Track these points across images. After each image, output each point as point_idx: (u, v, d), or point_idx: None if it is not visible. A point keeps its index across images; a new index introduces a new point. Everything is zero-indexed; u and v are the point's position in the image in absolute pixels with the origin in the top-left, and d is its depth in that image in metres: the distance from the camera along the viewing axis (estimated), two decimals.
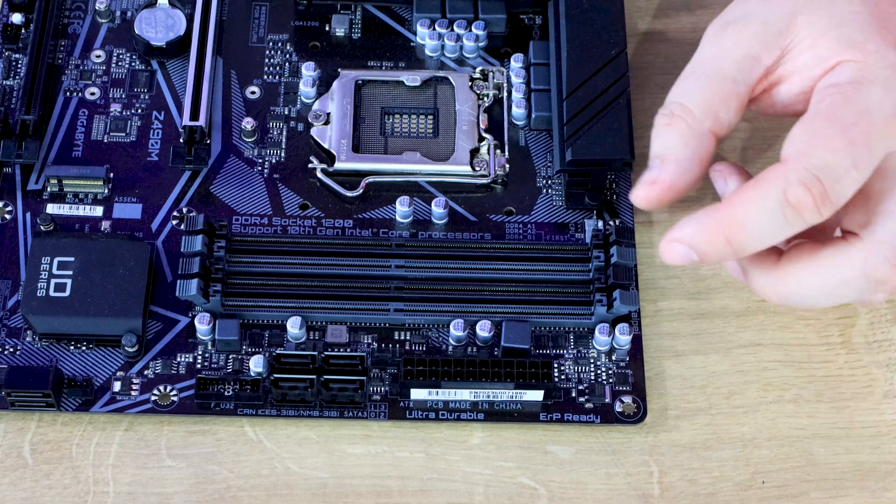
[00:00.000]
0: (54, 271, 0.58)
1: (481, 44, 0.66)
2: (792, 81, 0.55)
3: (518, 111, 0.64)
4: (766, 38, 0.55)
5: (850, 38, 0.54)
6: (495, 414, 0.57)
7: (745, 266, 0.56)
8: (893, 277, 0.53)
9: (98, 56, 0.66)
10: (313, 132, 0.64)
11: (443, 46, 0.66)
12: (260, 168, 0.63)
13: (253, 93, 0.65)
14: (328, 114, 0.64)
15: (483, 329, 0.58)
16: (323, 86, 0.65)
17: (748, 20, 0.56)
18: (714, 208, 0.53)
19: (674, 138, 0.55)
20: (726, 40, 0.56)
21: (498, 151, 0.63)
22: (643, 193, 0.55)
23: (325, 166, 0.63)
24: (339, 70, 0.65)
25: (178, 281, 0.58)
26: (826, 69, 0.54)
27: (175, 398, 0.57)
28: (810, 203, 0.52)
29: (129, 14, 0.67)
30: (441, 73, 0.65)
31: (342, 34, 0.67)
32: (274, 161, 0.63)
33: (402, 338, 0.59)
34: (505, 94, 0.65)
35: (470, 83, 0.64)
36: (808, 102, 0.54)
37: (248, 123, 0.63)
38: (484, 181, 0.62)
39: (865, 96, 0.53)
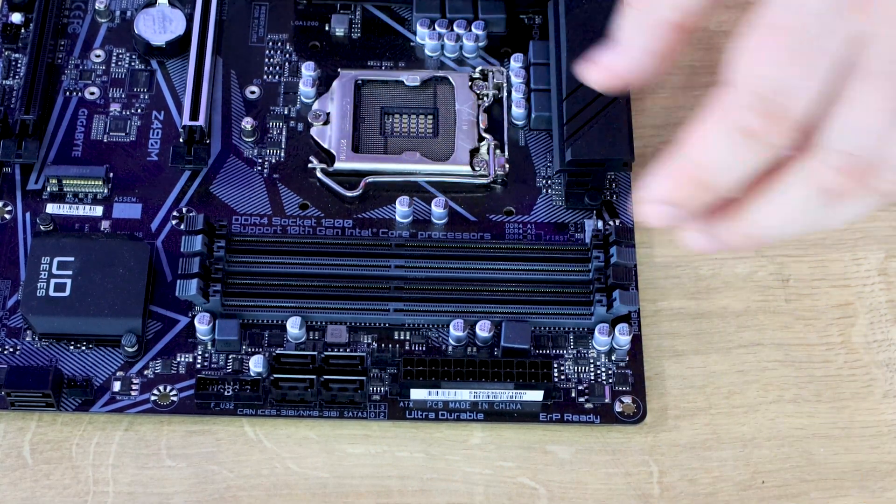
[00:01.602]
0: (54, 271, 0.58)
1: (481, 44, 0.66)
2: None
3: (518, 111, 0.64)
4: None
5: None
6: (495, 414, 0.57)
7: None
8: (846, 185, 0.48)
9: (98, 56, 0.66)
10: (313, 132, 0.64)
11: (442, 46, 0.66)
12: (260, 168, 0.63)
13: (253, 93, 0.65)
14: (328, 114, 0.64)
15: (483, 329, 0.58)
16: (323, 86, 0.65)
17: None
18: (674, 156, 0.50)
19: (630, 24, 0.51)
20: None
21: (498, 151, 0.63)
22: (592, 74, 0.52)
23: (324, 166, 0.63)
24: (339, 70, 0.65)
25: (178, 281, 0.58)
26: None
27: (175, 398, 0.57)
28: (763, 125, 0.48)
29: (128, 14, 0.67)
30: (441, 73, 0.65)
31: (342, 34, 0.67)
32: (274, 161, 0.63)
33: (402, 338, 0.59)
34: (505, 94, 0.65)
35: (470, 83, 0.64)
36: None
37: (247, 123, 0.63)
38: (484, 181, 0.62)
39: None
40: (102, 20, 0.67)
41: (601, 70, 0.51)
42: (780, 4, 0.48)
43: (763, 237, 0.50)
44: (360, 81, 0.65)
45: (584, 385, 0.58)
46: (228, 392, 0.57)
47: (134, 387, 0.57)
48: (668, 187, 0.49)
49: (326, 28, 0.67)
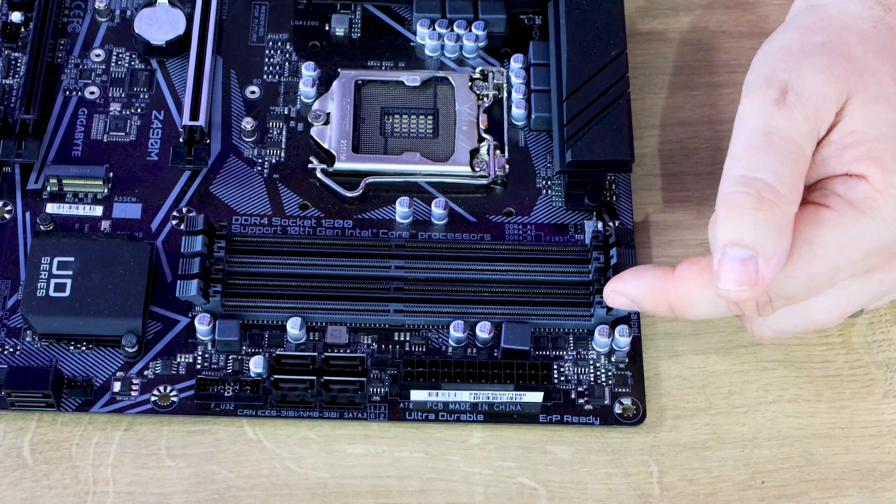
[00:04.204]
0: (54, 271, 0.58)
1: (481, 44, 0.66)
2: (811, 165, 0.52)
3: (518, 112, 0.64)
4: (823, 113, 0.52)
5: (881, 157, 0.51)
6: (495, 415, 0.57)
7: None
8: (751, 303, 0.52)
9: (98, 55, 0.66)
10: (313, 132, 0.64)
11: (443, 46, 0.66)
12: (260, 168, 0.63)
13: (253, 93, 0.65)
14: (328, 114, 0.64)
15: (483, 330, 0.58)
16: (323, 86, 0.65)
17: (810, 87, 0.52)
18: (664, 276, 0.53)
19: (772, 229, 0.50)
20: (796, 110, 0.51)
21: (498, 152, 0.63)
22: (744, 293, 0.51)
23: (324, 166, 0.63)
24: (339, 70, 0.65)
25: (178, 281, 0.58)
26: (844, 173, 0.52)
27: (175, 398, 0.57)
28: (752, 307, 0.52)
29: (128, 13, 0.67)
30: (441, 74, 0.65)
31: (342, 34, 0.67)
32: (274, 161, 0.63)
33: (402, 339, 0.59)
34: (505, 94, 0.65)
35: (470, 83, 0.64)
36: (812, 188, 0.52)
37: (247, 123, 0.63)
38: (484, 182, 0.62)
39: (859, 230, 0.51)
40: (102, 19, 0.67)
41: (753, 289, 0.51)
42: (836, 231, 0.51)
43: (681, 313, 0.54)
44: (360, 81, 0.65)
45: (584, 386, 0.58)
46: (228, 393, 0.57)
47: (134, 387, 0.57)
48: (646, 299, 0.54)
49: (326, 28, 0.67)
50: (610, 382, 0.58)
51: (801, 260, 0.51)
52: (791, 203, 0.51)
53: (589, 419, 0.57)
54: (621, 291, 0.54)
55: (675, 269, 0.53)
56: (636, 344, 0.59)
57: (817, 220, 0.51)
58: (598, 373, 0.58)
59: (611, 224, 0.61)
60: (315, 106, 0.64)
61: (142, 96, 0.65)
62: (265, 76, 0.65)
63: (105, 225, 0.61)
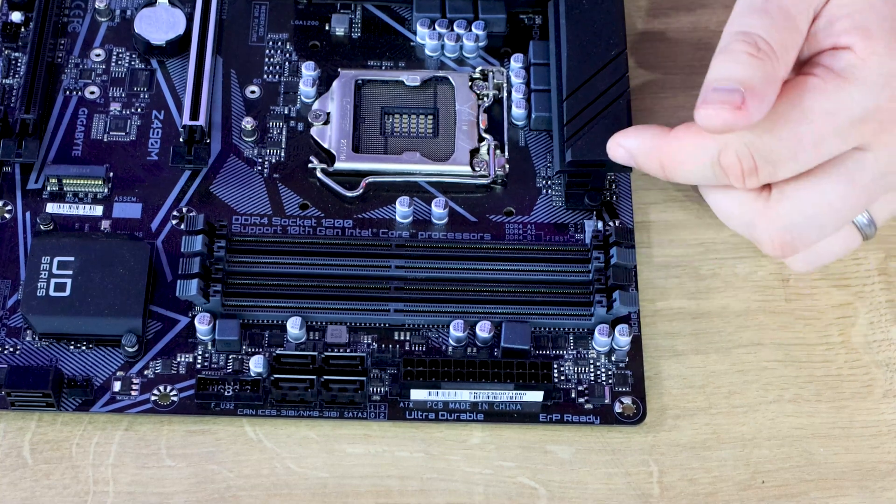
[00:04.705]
0: (54, 271, 0.58)
1: (481, 44, 0.66)
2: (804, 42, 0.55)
3: (518, 111, 0.64)
4: None
5: (868, 28, 0.53)
6: (495, 415, 0.57)
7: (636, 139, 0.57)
8: (736, 168, 0.53)
9: (98, 55, 0.66)
10: (313, 132, 0.64)
11: (443, 46, 0.66)
12: (260, 168, 0.63)
13: (253, 92, 0.65)
14: (328, 113, 0.64)
15: (483, 330, 0.58)
16: (323, 85, 0.65)
17: None
18: (661, 134, 0.55)
19: (762, 74, 0.52)
20: None
21: (498, 152, 0.63)
22: (724, 115, 0.52)
23: (325, 166, 0.63)
24: (339, 70, 0.65)
25: (178, 281, 0.58)
26: (832, 45, 0.54)
27: (175, 398, 0.57)
28: (738, 172, 0.54)
29: (128, 13, 0.67)
30: (441, 73, 0.65)
31: (342, 34, 0.67)
32: (274, 161, 0.63)
33: (402, 338, 0.59)
34: (505, 94, 0.65)
35: (470, 83, 0.64)
36: (803, 64, 0.55)
37: (247, 123, 0.63)
38: (484, 181, 0.63)
39: (842, 95, 0.53)
40: (102, 19, 0.67)
41: (735, 112, 0.52)
42: (820, 97, 0.53)
43: (670, 173, 0.56)
44: (360, 81, 0.65)
45: (584, 386, 0.58)
46: (228, 392, 0.57)
47: (134, 387, 0.57)
48: (642, 153, 0.56)
49: (326, 28, 0.67)
50: (610, 381, 0.58)
51: (787, 124, 0.53)
52: (782, 65, 0.53)
53: (589, 418, 0.57)
54: (622, 144, 0.56)
55: (673, 129, 0.55)
56: (636, 343, 0.59)
57: (803, 87, 0.53)
58: (599, 372, 0.58)
59: (611, 224, 0.62)
60: (315, 106, 0.64)
61: (142, 96, 0.65)
62: (265, 76, 0.65)
63: (105, 225, 0.61)
